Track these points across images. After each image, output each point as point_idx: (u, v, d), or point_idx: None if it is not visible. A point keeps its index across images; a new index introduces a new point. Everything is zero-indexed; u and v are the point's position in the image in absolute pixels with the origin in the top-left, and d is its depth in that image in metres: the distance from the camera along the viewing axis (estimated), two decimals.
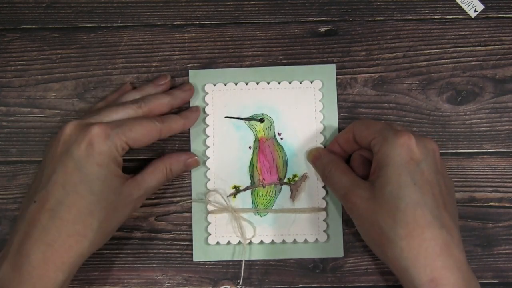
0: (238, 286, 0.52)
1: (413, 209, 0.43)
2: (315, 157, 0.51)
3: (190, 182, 0.52)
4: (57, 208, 0.44)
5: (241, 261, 0.51)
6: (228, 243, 0.52)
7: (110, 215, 0.46)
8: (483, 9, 0.53)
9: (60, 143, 0.45)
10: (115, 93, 0.52)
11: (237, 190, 0.52)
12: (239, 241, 0.52)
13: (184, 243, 0.52)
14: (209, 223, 0.52)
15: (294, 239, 0.51)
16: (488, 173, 0.52)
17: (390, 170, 0.44)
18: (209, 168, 0.52)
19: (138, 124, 0.47)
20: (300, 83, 0.53)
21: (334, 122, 0.52)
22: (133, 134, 0.46)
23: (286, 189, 0.52)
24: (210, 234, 0.52)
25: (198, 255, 0.52)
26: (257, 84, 0.53)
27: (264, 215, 0.52)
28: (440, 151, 0.52)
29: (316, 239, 0.51)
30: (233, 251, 0.52)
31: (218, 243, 0.52)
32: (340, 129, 0.52)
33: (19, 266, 0.43)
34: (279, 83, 0.53)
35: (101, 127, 0.45)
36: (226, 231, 0.52)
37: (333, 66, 0.53)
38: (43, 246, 0.43)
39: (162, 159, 0.50)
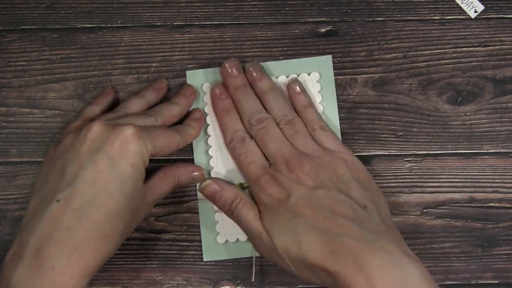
0: (238, 287, 0.52)
1: (307, 242, 0.43)
2: (213, 192, 0.49)
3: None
4: (85, 207, 0.41)
5: (243, 259, 0.52)
6: (237, 240, 0.52)
7: (133, 219, 0.45)
8: (483, 9, 0.53)
9: (87, 140, 0.43)
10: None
11: (242, 187, 0.52)
12: (248, 238, 0.52)
13: (184, 243, 0.52)
14: (217, 222, 0.52)
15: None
16: (488, 173, 0.52)
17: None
18: (213, 167, 0.52)
19: (163, 133, 0.46)
20: (298, 76, 0.53)
21: (334, 114, 0.52)
22: (159, 142, 0.46)
23: None
24: (219, 233, 0.52)
25: (208, 255, 0.52)
26: None
27: None
28: (440, 152, 0.52)
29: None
30: (243, 249, 0.52)
31: (227, 241, 0.52)
32: (340, 122, 0.52)
33: (39, 271, 0.40)
34: (276, 78, 0.53)
35: (135, 128, 0.44)
36: (234, 229, 0.51)
37: (329, 57, 0.53)
38: (68, 249, 0.40)
39: (171, 167, 0.50)
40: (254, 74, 0.51)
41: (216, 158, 0.52)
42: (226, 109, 0.51)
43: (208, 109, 0.52)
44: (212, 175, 0.52)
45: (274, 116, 0.49)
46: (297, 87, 0.51)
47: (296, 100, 0.51)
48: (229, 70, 0.50)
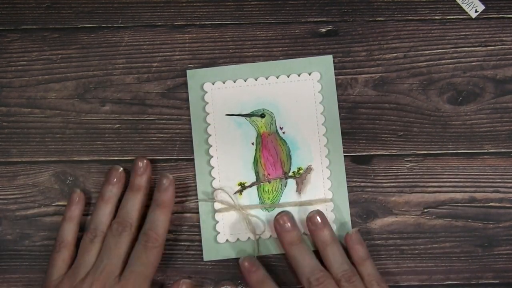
0: (239, 287, 0.52)
1: None
2: (248, 269, 0.50)
3: (192, 183, 0.52)
4: None
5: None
6: (237, 240, 0.52)
7: None
8: (484, 9, 0.53)
9: None
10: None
11: (243, 187, 0.52)
12: (248, 237, 0.52)
13: (185, 243, 0.52)
14: (217, 222, 0.52)
15: (303, 232, 0.51)
16: (488, 173, 0.52)
17: None
18: (213, 167, 0.52)
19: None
20: (299, 76, 0.53)
21: (335, 113, 0.52)
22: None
23: (291, 182, 0.52)
24: (219, 233, 0.52)
25: (208, 255, 0.52)
26: (256, 80, 0.53)
27: (272, 210, 0.52)
28: (441, 151, 0.52)
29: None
30: (243, 248, 0.52)
31: (227, 241, 0.52)
32: (341, 122, 0.52)
33: None
34: (277, 78, 0.53)
35: None
36: (235, 228, 0.52)
37: (330, 57, 0.53)
38: None
39: None
40: (320, 222, 0.50)
41: (216, 158, 0.52)
42: (260, 281, 0.50)
43: (208, 108, 0.52)
44: (213, 174, 0.52)
45: (335, 271, 0.49)
46: (355, 238, 0.50)
47: (355, 251, 0.50)
48: (283, 224, 0.50)
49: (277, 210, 0.52)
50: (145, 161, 0.51)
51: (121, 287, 0.47)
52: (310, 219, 0.50)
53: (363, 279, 0.49)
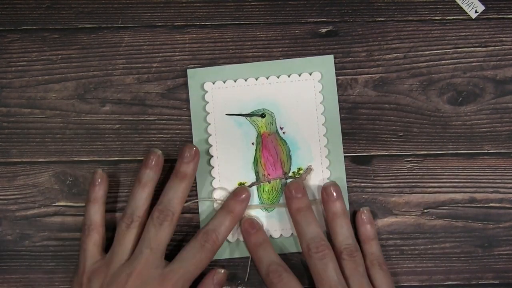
0: (239, 287, 0.52)
1: None
2: (247, 230, 0.50)
3: (192, 183, 0.52)
4: None
5: (243, 259, 0.52)
6: (237, 240, 0.52)
7: None
8: (484, 10, 0.53)
9: None
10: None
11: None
12: None
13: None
14: None
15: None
16: (488, 174, 0.52)
17: None
18: (213, 167, 0.52)
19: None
20: (299, 75, 0.53)
21: (335, 114, 0.53)
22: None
23: None
24: None
25: None
26: (256, 79, 0.53)
27: (271, 210, 0.52)
28: (441, 152, 0.52)
29: (325, 230, 0.51)
30: (243, 248, 0.52)
31: (227, 241, 0.52)
32: (341, 122, 0.52)
33: None
34: (278, 77, 0.53)
35: None
36: (234, 228, 0.51)
37: (331, 57, 0.53)
38: None
39: None
40: (334, 194, 0.50)
41: (216, 158, 0.52)
42: (258, 244, 0.50)
43: (208, 108, 0.52)
44: (212, 174, 0.52)
45: (338, 243, 0.49)
46: (366, 217, 0.51)
47: (363, 229, 0.50)
48: (294, 193, 0.50)
49: (277, 210, 0.52)
50: (194, 149, 0.50)
51: (163, 281, 0.46)
52: (325, 189, 0.50)
53: (366, 257, 0.49)
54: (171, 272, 0.47)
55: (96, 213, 0.50)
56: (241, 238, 0.52)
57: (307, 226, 0.49)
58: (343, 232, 0.49)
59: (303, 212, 0.49)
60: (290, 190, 0.50)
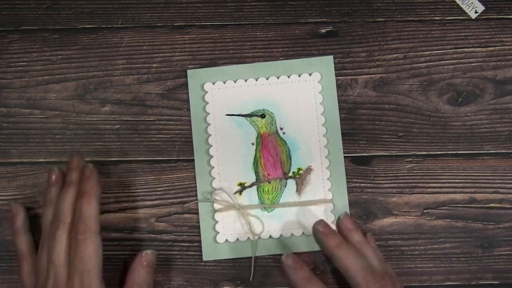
0: (239, 287, 0.52)
1: None
2: (292, 266, 0.49)
3: (192, 183, 0.52)
4: None
5: (243, 259, 0.52)
6: (237, 240, 0.52)
7: None
8: (484, 10, 0.53)
9: None
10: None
11: (242, 187, 0.52)
12: (248, 237, 0.52)
13: (185, 244, 0.52)
14: (217, 222, 0.52)
15: (303, 232, 0.52)
16: (488, 174, 0.52)
17: None
18: (213, 167, 0.52)
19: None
20: (299, 76, 0.53)
21: (335, 114, 0.53)
22: None
23: (291, 183, 0.52)
24: (218, 233, 0.52)
25: (207, 255, 0.52)
26: (256, 80, 0.53)
27: (271, 210, 0.52)
28: (441, 152, 0.52)
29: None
30: (242, 248, 0.52)
31: (227, 241, 0.52)
32: (341, 123, 0.52)
33: None
34: (278, 78, 0.53)
35: None
36: (234, 228, 0.52)
37: (331, 57, 0.53)
38: None
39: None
40: (350, 225, 0.50)
41: (216, 158, 0.52)
42: (308, 278, 0.49)
43: (208, 108, 0.52)
44: (212, 174, 0.52)
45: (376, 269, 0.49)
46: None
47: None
48: (323, 229, 0.50)
49: (277, 210, 0.52)
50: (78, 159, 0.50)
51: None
52: (341, 222, 0.51)
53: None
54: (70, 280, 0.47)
55: (22, 243, 0.50)
56: (240, 238, 0.52)
57: (356, 259, 0.48)
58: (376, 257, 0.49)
59: (344, 245, 0.49)
60: (322, 227, 0.50)
